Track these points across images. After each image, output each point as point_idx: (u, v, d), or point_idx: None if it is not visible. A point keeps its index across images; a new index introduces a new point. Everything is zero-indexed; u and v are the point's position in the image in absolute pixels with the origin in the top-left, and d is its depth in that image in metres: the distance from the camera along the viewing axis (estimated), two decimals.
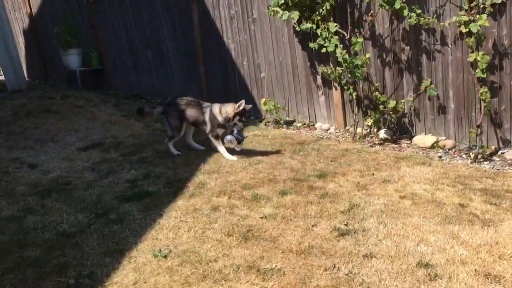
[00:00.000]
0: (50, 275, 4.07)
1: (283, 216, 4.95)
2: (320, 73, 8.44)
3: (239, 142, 6.79)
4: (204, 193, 5.63)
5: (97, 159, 7.03)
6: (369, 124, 7.83)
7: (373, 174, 6.10)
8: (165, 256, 4.25)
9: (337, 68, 7.76)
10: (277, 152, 7.15)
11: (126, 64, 12.38)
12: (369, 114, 7.97)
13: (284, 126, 9.03)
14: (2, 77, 12.31)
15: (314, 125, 8.99)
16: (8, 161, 6.98)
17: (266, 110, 9.08)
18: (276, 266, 4.01)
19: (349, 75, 7.65)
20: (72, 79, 13.29)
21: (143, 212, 5.21)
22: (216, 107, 7.04)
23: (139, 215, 5.14)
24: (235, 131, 6.79)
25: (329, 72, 7.87)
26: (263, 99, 9.19)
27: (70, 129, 8.43)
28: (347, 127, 8.53)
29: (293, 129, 8.86)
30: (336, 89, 8.40)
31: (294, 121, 9.25)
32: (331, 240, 4.41)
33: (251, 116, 9.85)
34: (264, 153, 7.08)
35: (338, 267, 3.98)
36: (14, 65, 11.56)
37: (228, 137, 6.78)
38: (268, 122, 9.27)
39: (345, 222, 4.74)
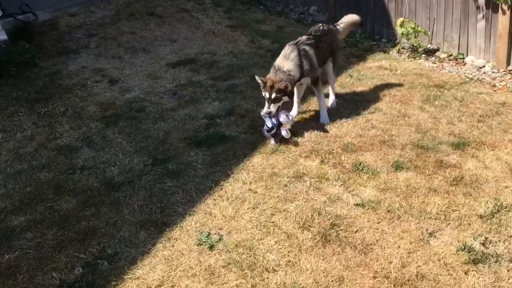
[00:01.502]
0: (70, 244, 3.23)
1: (389, 207, 3.46)
2: None
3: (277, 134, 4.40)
4: (290, 150, 4.30)
5: (183, 81, 5.98)
6: None
7: None
8: (211, 247, 3.14)
9: None
10: (404, 97, 5.40)
11: None
12: None
13: (423, 56, 7.03)
14: None
15: (463, 59, 6.85)
16: (91, 71, 6.28)
17: (402, 33, 7.10)
18: None
19: None
20: None
21: (208, 166, 4.09)
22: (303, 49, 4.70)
23: (202, 170, 4.04)
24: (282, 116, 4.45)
25: None
26: (401, 19, 7.19)
27: (168, 38, 7.44)
28: (509, 67, 6.31)
29: (434, 62, 6.84)
30: (504, 13, 6.12)
31: (437, 50, 7.18)
32: (454, 269, 2.88)
33: (382, 39, 7.93)
34: (385, 97, 5.38)
35: None
36: None
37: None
38: (403, 49, 7.31)
39: (483, 238, 3.12)
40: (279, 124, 4.38)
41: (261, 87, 4.49)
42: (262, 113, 4.48)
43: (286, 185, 3.78)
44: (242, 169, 4.03)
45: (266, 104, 4.45)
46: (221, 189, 3.77)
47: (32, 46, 6.82)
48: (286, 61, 4.54)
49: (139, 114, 5.14)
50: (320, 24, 5.21)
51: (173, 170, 4.05)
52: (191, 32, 7.75)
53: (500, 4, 6.02)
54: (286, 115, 4.44)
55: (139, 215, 3.49)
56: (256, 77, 4.50)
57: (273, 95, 4.38)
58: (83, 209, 3.59)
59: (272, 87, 4.38)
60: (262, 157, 4.21)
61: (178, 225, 3.36)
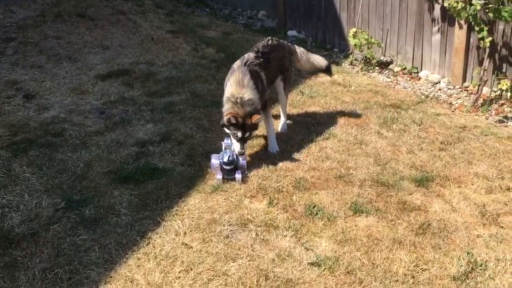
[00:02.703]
0: None
1: (349, 267, 2.92)
2: (440, 2, 5.84)
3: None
4: (234, 188, 3.68)
5: (113, 97, 5.21)
6: (505, 87, 5.27)
7: (508, 188, 3.78)
8: None
9: (474, 1, 5.08)
10: (359, 119, 4.92)
11: None
12: (505, 71, 5.42)
13: (376, 69, 6.64)
14: None
15: (417, 73, 6.53)
16: (3, 84, 5.37)
17: (355, 44, 6.67)
18: None
19: (491, 14, 4.99)
20: None
21: (135, 211, 3.40)
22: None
23: (126, 216, 3.34)
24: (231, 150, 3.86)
25: (459, 7, 5.22)
26: (353, 29, 6.75)
27: (99, 44, 6.60)
28: (465, 84, 6.03)
29: (388, 76, 6.46)
30: (460, 27, 5.80)
31: (391, 62, 6.82)
32: None
33: (334, 48, 7.49)
34: (339, 119, 4.88)
35: None
36: None
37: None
38: (356, 60, 6.90)
39: None
40: (237, 163, 3.74)
41: (228, 126, 3.77)
42: (225, 145, 3.91)
43: (227, 237, 3.16)
44: (176, 214, 3.37)
45: (237, 144, 3.79)
46: (148, 243, 3.09)
47: None
48: (243, 89, 3.84)
49: (56, 139, 4.34)
50: (269, 38, 4.62)
51: (90, 216, 3.32)
52: (127, 38, 6.95)
53: (457, 18, 5.67)
54: (244, 163, 3.83)
55: (39, 285, 2.75)
56: (226, 118, 3.73)
57: (247, 134, 3.77)
58: None
59: (244, 125, 3.72)
60: (200, 197, 3.56)
61: None
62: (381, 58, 6.86)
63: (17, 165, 3.92)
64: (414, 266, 2.92)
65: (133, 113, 4.87)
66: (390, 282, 2.80)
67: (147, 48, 6.66)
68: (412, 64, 6.59)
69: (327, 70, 4.98)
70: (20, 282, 2.77)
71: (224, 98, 3.91)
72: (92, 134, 4.46)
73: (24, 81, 5.45)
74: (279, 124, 4.64)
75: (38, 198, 3.51)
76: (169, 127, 4.60)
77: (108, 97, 5.22)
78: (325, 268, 2.89)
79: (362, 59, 6.86)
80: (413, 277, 2.85)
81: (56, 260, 2.94)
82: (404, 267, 2.92)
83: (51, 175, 3.79)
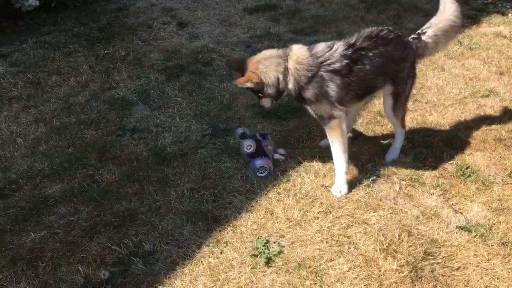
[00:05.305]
0: (105, 229, 2.76)
1: (504, 238, 2.65)
2: None
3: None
4: (379, 136, 3.49)
5: (260, 31, 5.20)
6: None
7: None
8: (268, 262, 2.53)
9: None
10: None
11: None
12: None
13: None
14: None
15: None
16: (160, 10, 5.65)
17: None
18: None
19: None
20: None
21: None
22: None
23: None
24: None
25: None
26: None
27: None
28: None
29: None
30: None
31: None
32: None
33: None
34: (503, 76, 4.34)
35: None
36: None
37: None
38: None
39: None
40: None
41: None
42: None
43: (369, 185, 3.03)
44: (317, 155, 3.31)
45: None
46: (288, 180, 3.09)
47: None
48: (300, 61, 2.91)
49: (205, 68, 4.49)
50: (378, 28, 2.97)
51: (234, 146, 3.42)
52: None
53: None
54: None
55: (187, 202, 2.92)
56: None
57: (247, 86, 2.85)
58: (126, 184, 3.08)
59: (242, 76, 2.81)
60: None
61: (232, 224, 2.76)
62: None
63: (170, 88, 4.14)
64: None
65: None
66: None
67: None
68: None
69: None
70: (170, 197, 2.96)
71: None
72: None
73: (178, 9, 5.68)
74: (390, 151, 3.31)
75: (187, 122, 3.69)
76: None
77: (255, 31, 5.22)
78: (476, 235, 2.65)
79: None
80: None
81: (202, 182, 3.09)
82: None
83: (200, 102, 3.95)
